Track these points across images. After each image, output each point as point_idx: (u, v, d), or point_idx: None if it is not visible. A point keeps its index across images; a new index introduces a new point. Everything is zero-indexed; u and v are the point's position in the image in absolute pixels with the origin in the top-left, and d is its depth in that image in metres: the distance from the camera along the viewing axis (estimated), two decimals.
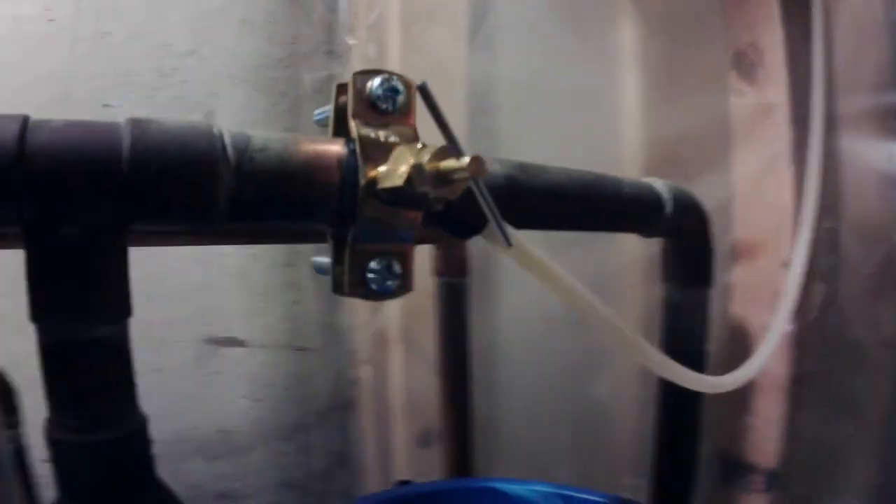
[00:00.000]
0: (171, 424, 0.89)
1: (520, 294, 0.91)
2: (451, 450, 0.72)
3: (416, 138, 0.40)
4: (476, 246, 0.84)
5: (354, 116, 0.39)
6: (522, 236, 0.39)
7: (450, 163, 0.32)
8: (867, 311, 0.68)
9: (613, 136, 0.78)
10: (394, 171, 0.36)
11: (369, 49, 0.95)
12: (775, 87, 0.63)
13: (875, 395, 0.67)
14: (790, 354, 0.64)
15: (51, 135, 0.32)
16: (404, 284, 0.40)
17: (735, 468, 0.66)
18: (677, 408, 0.57)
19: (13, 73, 0.77)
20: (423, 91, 0.31)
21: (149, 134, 0.34)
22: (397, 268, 0.40)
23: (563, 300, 0.40)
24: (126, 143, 0.33)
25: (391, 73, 0.39)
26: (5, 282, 0.77)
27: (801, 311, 0.64)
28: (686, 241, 0.55)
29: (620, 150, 0.77)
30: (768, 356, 0.54)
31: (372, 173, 0.37)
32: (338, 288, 0.40)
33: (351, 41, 0.96)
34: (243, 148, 0.35)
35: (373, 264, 0.39)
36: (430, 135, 0.37)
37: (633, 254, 0.76)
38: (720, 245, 0.58)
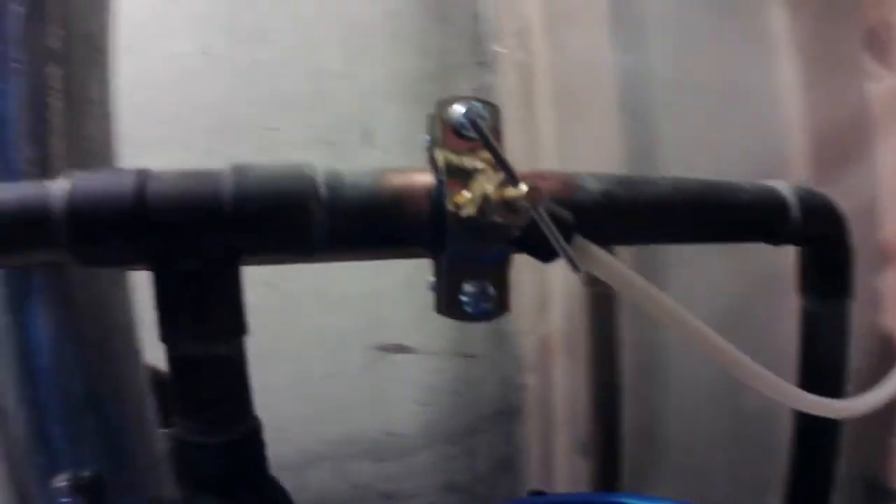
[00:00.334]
0: (340, 426, 0.96)
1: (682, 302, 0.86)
2: (597, 461, 0.70)
3: (500, 164, 0.39)
4: (640, 254, 0.81)
5: (441, 145, 0.39)
6: (611, 256, 0.37)
7: (510, 191, 0.32)
8: None
9: (771, 129, 0.71)
10: (471, 200, 0.36)
11: (518, 56, 0.95)
12: None
13: None
14: None
15: (165, 184, 0.36)
16: (500, 306, 0.40)
17: (881, 495, 0.58)
18: (812, 427, 0.50)
19: (175, 105, 0.87)
20: (474, 125, 0.31)
21: (248, 179, 0.37)
22: (491, 290, 0.40)
23: (657, 316, 0.38)
24: (228, 188, 0.36)
25: (473, 99, 0.39)
26: None
27: None
28: (819, 247, 0.49)
29: (780, 143, 0.69)
30: None
31: (458, 200, 0.38)
32: (437, 308, 0.41)
33: (499, 49, 0.97)
34: (335, 185, 0.38)
35: (466, 287, 0.40)
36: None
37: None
38: (865, 248, 0.51)
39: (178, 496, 0.40)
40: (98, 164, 0.51)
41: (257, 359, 0.94)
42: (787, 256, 0.54)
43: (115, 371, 0.48)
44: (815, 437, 0.51)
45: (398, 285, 0.96)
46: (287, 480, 1.00)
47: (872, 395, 0.44)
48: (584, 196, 0.42)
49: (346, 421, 0.97)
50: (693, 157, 0.77)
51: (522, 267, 0.92)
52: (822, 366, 0.49)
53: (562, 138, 0.89)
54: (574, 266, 0.33)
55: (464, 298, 0.40)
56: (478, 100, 0.40)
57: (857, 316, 0.50)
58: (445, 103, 0.40)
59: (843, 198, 0.49)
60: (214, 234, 0.37)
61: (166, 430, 0.61)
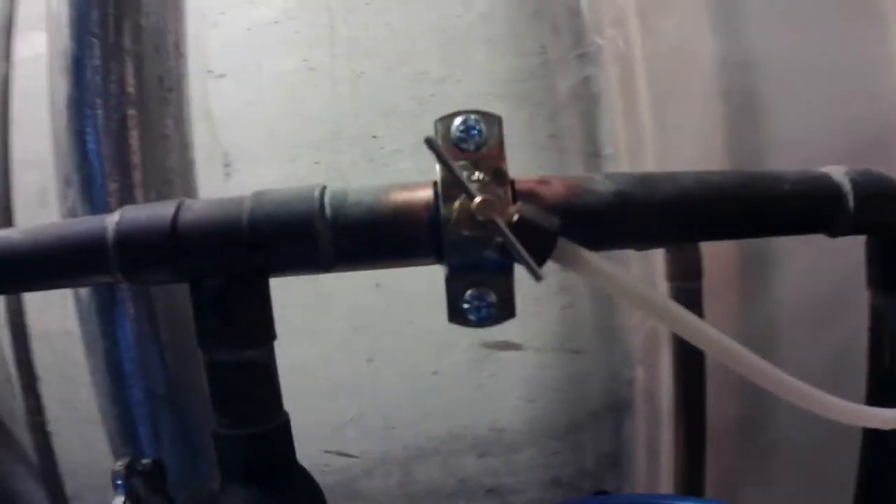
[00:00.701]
0: (446, 422, 0.98)
1: (790, 290, 0.80)
2: (679, 460, 0.67)
3: (498, 174, 0.40)
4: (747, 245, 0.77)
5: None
6: (603, 261, 0.37)
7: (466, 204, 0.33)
8: None
9: (886, 107, 0.64)
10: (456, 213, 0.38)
11: (616, 46, 0.92)
12: None
13: None
14: None
15: (195, 213, 0.41)
16: (502, 311, 0.41)
17: None
18: (879, 438, 0.45)
19: (283, 120, 0.93)
20: (428, 143, 0.32)
21: (262, 203, 0.41)
22: (492, 297, 0.41)
23: (661, 321, 0.37)
24: (246, 214, 0.40)
25: (470, 113, 0.41)
26: (298, 294, 0.95)
27: None
28: (883, 237, 0.44)
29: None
30: None
31: (450, 214, 0.39)
32: (448, 316, 0.43)
33: (598, 41, 0.95)
34: (338, 204, 0.41)
35: (467, 295, 0.41)
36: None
37: None
38: None
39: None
40: (178, 192, 0.58)
41: (366, 358, 1.00)
42: None
43: (191, 372, 0.54)
44: (881, 445, 0.46)
45: None
46: (395, 475, 1.05)
47: None
48: (592, 199, 0.41)
49: (452, 417, 0.99)
50: (802, 142, 0.72)
51: (632, 260, 0.90)
52: (886, 368, 0.45)
53: (661, 130, 0.86)
54: (535, 275, 0.33)
55: (465, 306, 0.41)
56: (478, 112, 0.41)
57: None
58: (444, 120, 0.41)
59: None
60: (236, 255, 0.41)
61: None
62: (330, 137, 0.97)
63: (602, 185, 0.42)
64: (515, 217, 0.36)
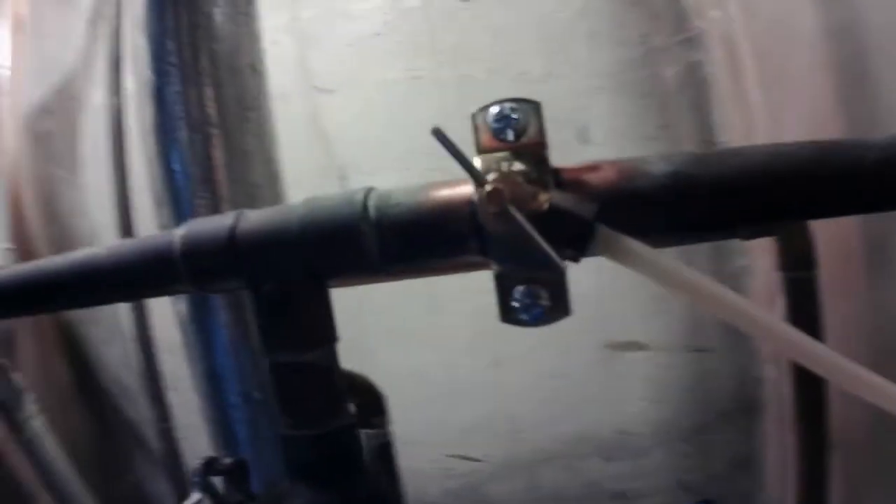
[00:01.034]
0: (571, 425, 0.96)
1: None
2: (800, 465, 0.60)
3: (539, 162, 0.38)
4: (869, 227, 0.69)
5: (481, 151, 0.39)
6: (648, 248, 0.34)
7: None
8: None
9: None
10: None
11: (720, 28, 0.86)
12: None
13: None
14: None
15: (251, 222, 0.43)
16: (556, 310, 0.39)
17: None
18: None
19: (393, 130, 0.95)
20: (436, 134, 0.31)
21: (312, 209, 0.42)
22: (544, 295, 0.39)
23: (716, 313, 0.33)
24: (296, 220, 0.41)
25: (505, 101, 0.39)
26: (419, 301, 0.96)
27: None
28: None
29: None
30: None
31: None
32: (500, 316, 0.41)
33: (702, 24, 0.89)
34: (382, 205, 0.41)
35: (517, 293, 0.39)
36: None
37: None
38: None
39: None
40: (263, 203, 0.60)
41: (491, 362, 1.00)
42: None
43: None
44: None
45: (626, 282, 0.94)
46: (521, 478, 1.04)
47: None
48: (644, 182, 0.38)
49: (578, 420, 0.98)
50: None
51: (760, 254, 0.84)
52: None
53: (771, 109, 0.79)
54: (555, 266, 0.31)
55: (515, 304, 0.39)
56: (514, 100, 0.39)
57: None
58: (481, 111, 0.40)
59: None
60: (289, 260, 0.42)
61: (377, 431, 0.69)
62: (439, 145, 0.98)
63: (656, 167, 0.39)
64: (546, 206, 0.34)
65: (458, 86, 0.96)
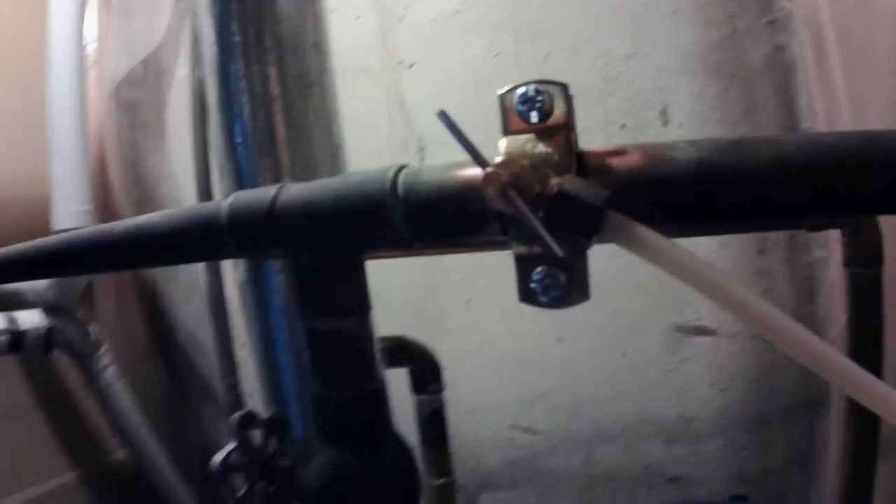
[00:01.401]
0: (633, 406, 0.96)
1: None
2: (844, 472, 0.57)
3: (562, 144, 0.38)
4: None
5: (507, 133, 0.40)
6: (661, 237, 0.33)
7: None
8: None
9: None
10: None
11: (805, 10, 0.82)
12: None
13: None
14: None
15: (290, 195, 0.45)
16: (575, 292, 0.39)
17: None
18: None
19: (472, 105, 0.94)
20: (442, 117, 0.32)
21: (346, 184, 0.44)
22: (562, 277, 0.39)
23: (727, 308, 0.32)
24: (331, 194, 0.43)
25: (531, 83, 0.39)
26: (491, 273, 0.97)
27: None
28: None
29: None
30: None
31: None
32: (518, 296, 0.41)
33: (788, 5, 0.84)
34: (410, 182, 0.42)
35: (535, 274, 0.39)
36: None
37: None
38: None
39: None
40: (324, 173, 0.62)
41: (556, 337, 1.00)
42: None
43: None
44: None
45: None
46: (578, 454, 1.04)
47: None
48: (669, 169, 0.37)
49: (640, 401, 0.97)
50: None
51: (835, 245, 0.80)
52: None
53: (855, 95, 0.74)
54: (552, 251, 0.31)
55: (533, 286, 0.39)
56: (541, 82, 0.39)
57: None
58: (508, 93, 0.40)
59: None
60: (323, 232, 0.44)
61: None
62: None
63: (683, 153, 0.38)
64: (555, 190, 0.34)
65: (540, 64, 0.95)
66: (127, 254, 0.50)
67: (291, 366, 0.60)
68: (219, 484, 0.44)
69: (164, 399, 1.15)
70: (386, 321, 0.80)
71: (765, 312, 0.31)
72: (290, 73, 0.60)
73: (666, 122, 0.91)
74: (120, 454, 1.14)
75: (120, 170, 1.13)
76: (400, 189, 0.42)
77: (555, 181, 0.34)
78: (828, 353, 0.30)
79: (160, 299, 1.14)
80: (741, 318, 0.32)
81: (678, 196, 0.37)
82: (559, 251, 0.32)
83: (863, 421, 0.56)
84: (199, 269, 1.04)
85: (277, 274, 0.60)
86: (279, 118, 0.59)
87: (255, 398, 1.13)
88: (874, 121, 0.69)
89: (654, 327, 0.95)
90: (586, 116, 0.93)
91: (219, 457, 0.44)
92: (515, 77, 1.00)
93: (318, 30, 0.62)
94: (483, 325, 1.01)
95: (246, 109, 0.58)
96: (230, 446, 0.46)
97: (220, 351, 0.98)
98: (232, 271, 0.97)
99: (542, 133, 0.39)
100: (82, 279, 1.03)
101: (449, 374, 0.99)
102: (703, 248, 0.88)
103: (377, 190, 0.42)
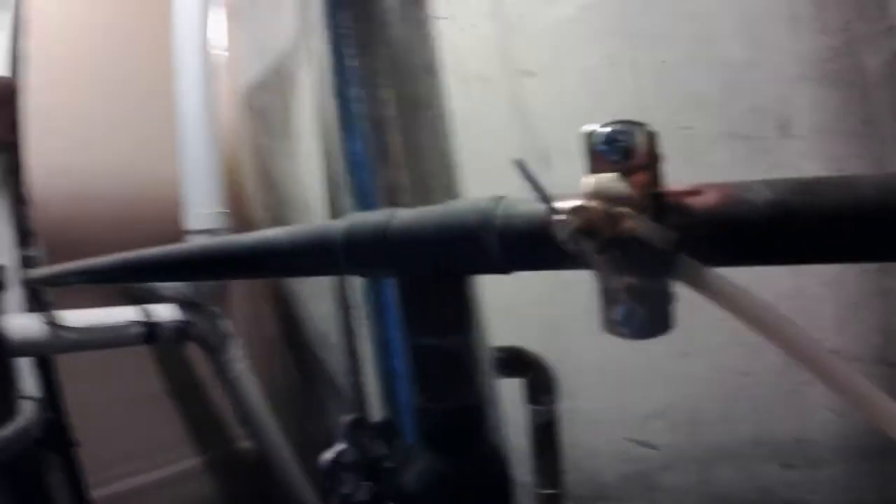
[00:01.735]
0: (751, 426, 0.99)
1: None
2: None
3: (645, 184, 0.44)
4: None
5: (592, 171, 0.46)
6: (726, 279, 0.39)
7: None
8: None
9: None
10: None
11: None
12: None
13: None
14: None
15: (401, 221, 0.54)
16: (656, 325, 0.45)
17: None
18: None
19: (590, 114, 1.00)
20: (519, 166, 0.39)
21: (447, 213, 0.52)
22: (641, 311, 0.44)
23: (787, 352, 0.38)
24: (432, 224, 0.52)
25: (615, 123, 0.45)
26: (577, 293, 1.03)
27: None
28: None
29: None
30: None
31: None
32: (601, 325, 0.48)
33: None
34: (507, 214, 0.50)
35: (618, 307, 0.45)
36: None
37: None
38: None
39: None
40: (437, 193, 0.72)
41: (680, 352, 1.06)
42: None
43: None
44: None
45: (822, 284, 0.94)
46: (694, 472, 1.09)
47: None
48: (745, 210, 0.42)
49: (758, 422, 0.99)
50: None
51: None
52: None
53: None
54: (612, 293, 0.38)
55: (616, 318, 0.45)
56: (623, 122, 0.45)
57: None
58: (591, 134, 0.46)
59: None
60: (426, 257, 0.53)
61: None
62: None
63: (758, 194, 0.43)
64: (628, 233, 0.40)
65: (657, 72, 0.99)
66: (252, 265, 0.62)
67: (405, 375, 0.70)
68: (326, 479, 0.55)
69: (291, 393, 1.30)
70: (511, 331, 0.89)
71: (830, 364, 0.36)
72: (404, 96, 0.69)
73: (788, 134, 0.93)
74: (245, 443, 1.30)
75: (252, 172, 1.28)
76: (496, 222, 0.49)
77: (628, 224, 0.41)
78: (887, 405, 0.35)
79: (291, 298, 1.28)
80: (806, 367, 0.37)
81: (753, 237, 0.43)
82: (624, 296, 0.39)
83: None
84: None
85: (395, 286, 0.70)
86: (394, 139, 0.69)
87: (376, 398, 1.26)
88: None
89: (773, 346, 0.96)
90: (705, 127, 0.96)
91: (329, 455, 0.55)
92: (632, 85, 1.05)
93: (429, 52, 0.71)
94: (607, 336, 1.07)
95: (363, 131, 0.68)
96: (340, 446, 0.57)
97: (346, 350, 1.10)
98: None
99: (625, 171, 0.45)
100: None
101: (571, 384, 1.06)
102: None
103: (476, 221, 0.50)
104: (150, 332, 1.12)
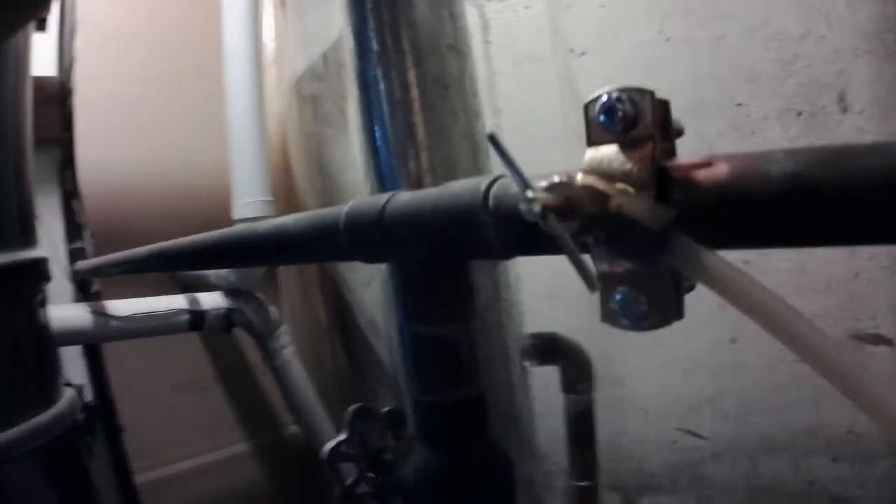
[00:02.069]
0: (803, 417, 0.94)
1: None
2: None
3: (650, 159, 0.39)
4: None
5: (591, 143, 0.41)
6: (729, 264, 0.34)
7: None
8: None
9: None
10: None
11: None
12: None
13: None
14: None
15: (397, 204, 0.51)
16: (659, 315, 0.39)
17: None
18: None
19: None
20: (491, 139, 0.35)
21: (443, 195, 0.49)
22: (643, 299, 0.39)
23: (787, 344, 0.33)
24: (429, 205, 0.49)
25: (613, 91, 0.39)
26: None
27: None
28: None
29: None
30: None
31: None
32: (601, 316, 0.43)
33: None
34: (502, 195, 0.45)
35: (616, 295, 0.39)
36: None
37: None
38: None
39: None
40: (462, 174, 0.68)
41: (729, 338, 1.00)
42: None
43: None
44: None
45: (879, 267, 0.87)
46: (742, 464, 1.04)
47: None
48: (759, 185, 0.36)
49: (810, 412, 0.94)
50: None
51: None
52: None
53: None
54: (588, 282, 0.33)
55: (614, 307, 0.39)
56: (624, 89, 0.40)
57: None
58: (591, 103, 0.41)
59: None
60: (422, 241, 0.49)
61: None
62: (692, 107, 0.98)
63: (776, 166, 0.37)
64: (615, 212, 0.35)
65: (712, 47, 0.94)
66: (267, 252, 0.60)
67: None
68: (327, 471, 0.52)
69: (340, 379, 1.29)
70: (561, 316, 0.84)
71: (833, 356, 0.31)
72: (428, 76, 0.66)
73: (845, 109, 0.86)
74: (293, 429, 1.30)
75: (303, 160, 1.27)
76: (491, 202, 0.45)
77: (617, 202, 0.36)
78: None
79: (341, 284, 1.27)
80: (808, 361, 0.32)
81: (767, 215, 0.37)
82: (594, 284, 0.34)
83: None
84: None
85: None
86: (418, 120, 0.65)
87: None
88: None
89: (830, 331, 0.90)
90: (762, 104, 0.90)
91: (328, 446, 0.52)
92: (687, 61, 0.99)
93: (455, 32, 0.68)
94: None
95: (385, 113, 0.65)
96: (341, 437, 0.54)
97: (389, 336, 1.08)
98: None
99: (626, 143, 0.40)
100: None
101: (618, 371, 1.01)
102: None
103: (470, 202, 0.46)
104: (196, 320, 1.13)
